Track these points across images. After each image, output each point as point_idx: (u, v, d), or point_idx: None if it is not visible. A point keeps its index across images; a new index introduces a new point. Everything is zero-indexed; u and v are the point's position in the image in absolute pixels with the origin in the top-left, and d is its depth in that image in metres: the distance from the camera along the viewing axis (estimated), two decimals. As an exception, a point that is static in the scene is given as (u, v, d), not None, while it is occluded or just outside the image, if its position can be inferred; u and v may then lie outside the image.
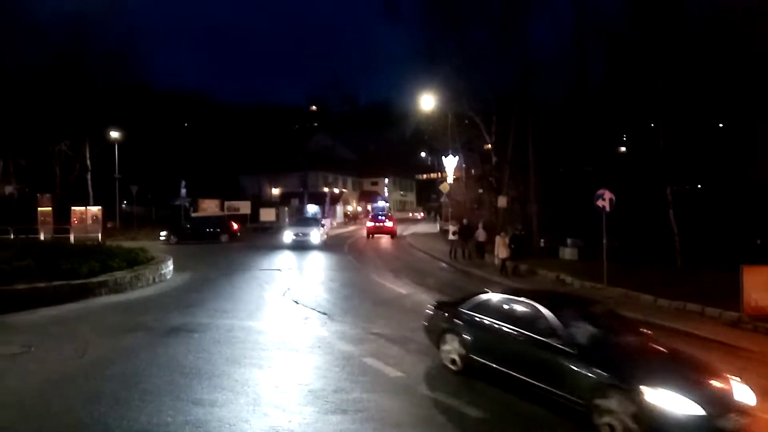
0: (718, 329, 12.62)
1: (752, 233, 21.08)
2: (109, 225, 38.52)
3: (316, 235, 30.06)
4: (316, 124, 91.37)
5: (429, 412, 7.05)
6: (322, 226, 33.77)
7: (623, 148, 30.42)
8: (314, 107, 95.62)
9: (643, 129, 24.78)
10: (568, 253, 24.20)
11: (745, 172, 21.21)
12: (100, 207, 35.69)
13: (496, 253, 21.07)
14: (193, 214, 41.93)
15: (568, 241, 24.62)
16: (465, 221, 27.21)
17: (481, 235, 26.13)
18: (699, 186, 22.85)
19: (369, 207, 63.23)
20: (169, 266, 18.81)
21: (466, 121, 34.51)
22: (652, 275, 17.65)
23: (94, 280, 14.70)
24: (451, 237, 26.71)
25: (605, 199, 17.27)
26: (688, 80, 21.37)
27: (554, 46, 29.22)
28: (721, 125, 23.45)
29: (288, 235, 30.17)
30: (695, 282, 16.33)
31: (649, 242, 22.17)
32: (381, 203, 62.87)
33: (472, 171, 39.84)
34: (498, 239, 21.02)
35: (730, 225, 21.32)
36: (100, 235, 32.89)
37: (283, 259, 24.46)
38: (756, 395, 8.31)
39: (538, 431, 6.79)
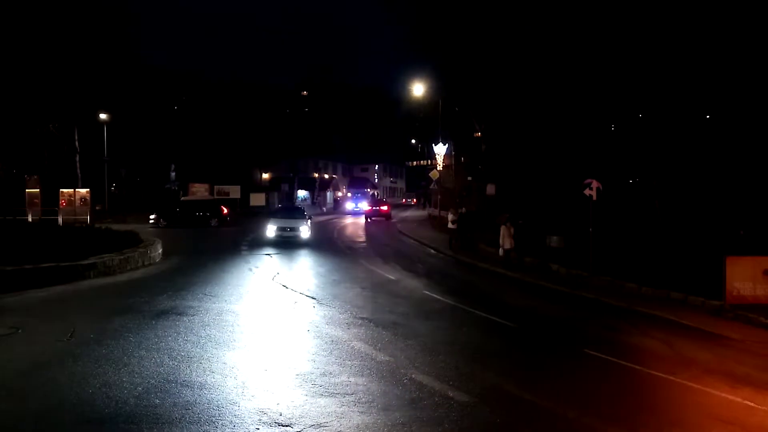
0: (700, 317, 12.86)
1: (736, 224, 21.38)
2: (97, 208, 38.31)
3: (305, 230, 24.84)
4: (307, 110, 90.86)
5: (417, 396, 7.16)
6: (309, 218, 27.59)
7: (611, 138, 30.64)
8: (305, 92, 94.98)
9: (631, 120, 24.97)
10: (554, 240, 24.37)
11: (728, 164, 21.45)
12: (88, 189, 35.44)
13: (500, 243, 20.05)
14: (183, 198, 41.79)
15: (554, 229, 24.81)
16: (463, 210, 26.32)
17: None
18: (684, 177, 23.06)
19: (348, 193, 63.73)
20: (158, 249, 18.79)
21: (456, 109, 34.55)
22: (637, 264, 17.87)
23: (83, 262, 14.67)
24: (450, 226, 25.87)
25: (592, 188, 17.44)
26: (675, 71, 21.53)
27: (547, 38, 29.15)
28: (707, 116, 23.70)
29: (271, 230, 24.68)
30: (679, 271, 16.56)
31: (634, 231, 22.41)
32: (366, 192, 63.10)
33: (462, 158, 39.93)
34: (503, 229, 19.97)
35: (714, 215, 21.60)
36: (88, 217, 32.74)
37: (272, 244, 24.48)
38: (734, 381, 8.58)
39: (526, 415, 6.91)
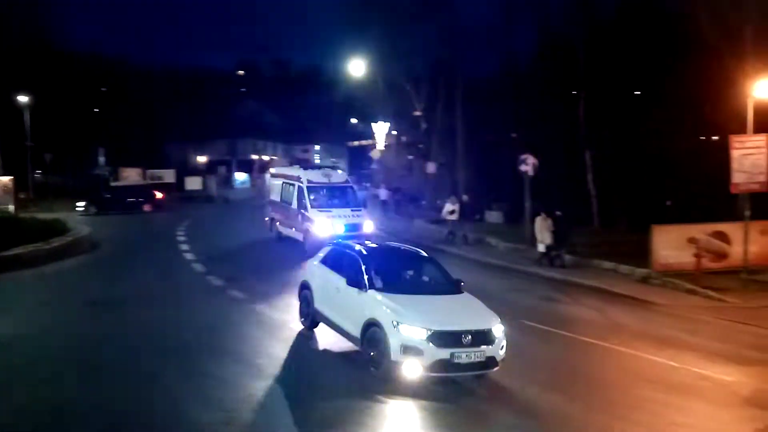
0: (630, 285, 13.46)
1: (663, 195, 22.37)
2: (21, 196, 36.23)
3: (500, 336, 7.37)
4: (244, 90, 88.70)
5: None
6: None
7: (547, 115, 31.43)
8: (242, 72, 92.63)
9: (566, 97, 25.60)
10: (493, 216, 24.91)
11: (658, 139, 22.30)
12: (11, 177, 33.54)
13: (539, 239, 15.98)
14: (113, 184, 40.20)
15: (493, 205, 25.36)
16: (465, 198, 21.11)
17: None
18: (615, 152, 23.91)
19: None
20: (88, 238, 18.04)
21: (397, 87, 34.48)
22: (571, 235, 18.41)
23: (6, 254, 13.90)
24: (448, 217, 20.19)
25: (528, 164, 17.81)
26: (607, 50, 22.21)
27: (483, 13, 29.48)
28: (638, 93, 24.54)
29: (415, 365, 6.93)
30: (610, 241, 17.23)
31: (569, 204, 23.12)
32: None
33: (403, 138, 40.01)
34: (539, 221, 15.98)
35: (643, 188, 22.51)
36: (12, 206, 31.01)
37: (206, 227, 24.03)
38: (659, 344, 9.06)
39: (464, 387, 7.04)
